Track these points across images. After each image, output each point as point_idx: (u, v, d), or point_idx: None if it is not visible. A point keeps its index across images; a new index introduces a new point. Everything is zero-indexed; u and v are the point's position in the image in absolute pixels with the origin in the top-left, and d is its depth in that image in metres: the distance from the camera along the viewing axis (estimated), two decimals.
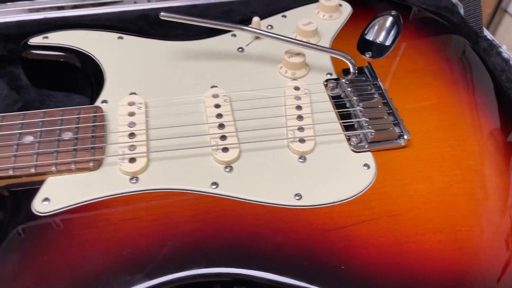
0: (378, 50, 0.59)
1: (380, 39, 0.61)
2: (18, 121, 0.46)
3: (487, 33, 0.64)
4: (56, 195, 0.42)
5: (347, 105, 0.51)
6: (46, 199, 0.42)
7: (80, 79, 0.57)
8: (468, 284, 0.40)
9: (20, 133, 0.45)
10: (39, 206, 0.41)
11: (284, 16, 0.64)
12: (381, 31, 0.63)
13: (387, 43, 0.61)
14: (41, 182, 0.43)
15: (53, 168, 0.43)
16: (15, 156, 0.43)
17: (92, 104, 0.51)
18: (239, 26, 0.54)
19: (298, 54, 0.55)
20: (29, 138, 0.45)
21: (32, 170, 0.43)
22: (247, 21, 0.63)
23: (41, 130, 0.46)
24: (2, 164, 0.42)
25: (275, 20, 0.63)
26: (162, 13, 0.51)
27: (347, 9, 0.65)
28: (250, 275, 0.38)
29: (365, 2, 0.67)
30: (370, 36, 0.62)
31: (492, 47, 0.62)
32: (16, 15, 0.62)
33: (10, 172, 0.42)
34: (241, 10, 0.66)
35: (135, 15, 0.64)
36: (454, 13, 0.68)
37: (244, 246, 0.40)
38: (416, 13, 0.66)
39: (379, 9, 0.66)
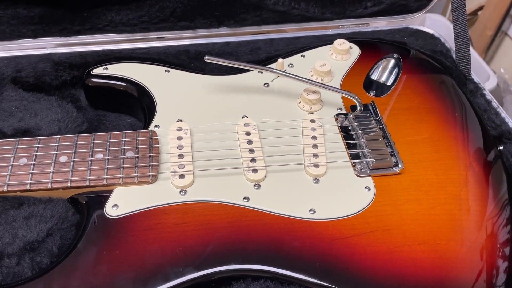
0: (381, 89, 0.71)
1: (383, 79, 0.73)
2: (89, 141, 0.58)
3: (474, 76, 0.75)
4: (123, 202, 0.54)
5: (354, 136, 0.63)
6: (115, 205, 0.53)
7: (131, 103, 0.69)
8: (445, 285, 0.51)
9: (92, 151, 0.57)
10: (110, 210, 0.53)
11: (303, 56, 0.75)
12: (384, 71, 0.74)
13: (389, 82, 0.72)
14: (110, 191, 0.55)
15: (120, 181, 0.55)
16: (90, 170, 0.55)
17: (146, 127, 0.63)
18: (268, 68, 0.66)
19: (314, 92, 0.66)
20: (99, 156, 0.57)
21: (104, 182, 0.54)
22: (271, 59, 0.75)
23: (108, 150, 0.57)
24: (81, 177, 0.54)
25: (295, 59, 0.74)
26: (206, 57, 0.62)
27: (356, 51, 0.76)
28: (275, 271, 0.50)
29: (371, 45, 0.79)
30: (374, 76, 0.73)
31: (478, 89, 0.74)
32: (80, 47, 0.74)
33: (87, 183, 0.54)
34: (267, 49, 0.78)
35: (178, 50, 0.75)
36: (447, 57, 0.79)
37: (269, 248, 0.51)
38: (414, 56, 0.77)
39: (383, 52, 0.77)
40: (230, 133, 0.62)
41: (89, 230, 0.52)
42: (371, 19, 0.84)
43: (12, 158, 0.55)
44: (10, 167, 0.54)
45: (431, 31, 0.85)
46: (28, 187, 0.53)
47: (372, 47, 0.79)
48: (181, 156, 0.58)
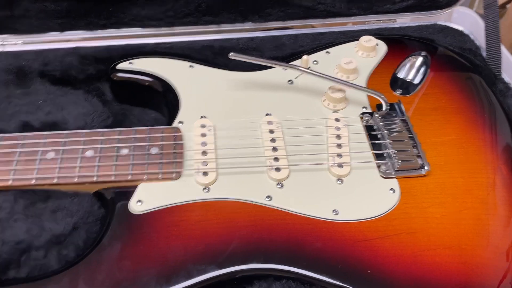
0: (408, 87, 0.69)
1: (410, 77, 0.71)
2: (115, 136, 0.59)
3: (504, 76, 0.73)
4: (147, 198, 0.54)
5: (379, 136, 0.62)
6: (139, 201, 0.54)
7: (156, 98, 0.69)
8: None
9: (117, 147, 0.57)
10: (134, 206, 0.54)
11: (328, 53, 0.74)
12: (411, 69, 0.72)
13: (416, 81, 0.70)
14: (135, 187, 0.55)
15: (145, 177, 0.55)
16: (115, 165, 0.56)
17: (170, 123, 0.63)
18: (292, 65, 0.65)
19: (339, 90, 0.65)
20: (125, 151, 0.57)
21: (129, 178, 0.55)
22: (296, 55, 0.74)
23: (134, 145, 0.58)
24: (107, 172, 0.55)
25: (320, 56, 0.73)
26: (231, 54, 0.62)
27: (383, 48, 0.75)
28: (296, 272, 0.50)
29: (398, 42, 0.77)
30: (401, 74, 0.71)
31: (508, 89, 0.72)
32: (105, 41, 0.74)
33: (112, 178, 0.55)
34: (291, 45, 0.77)
35: (202, 45, 0.75)
36: (476, 55, 0.77)
37: (291, 249, 0.51)
38: (443, 54, 0.75)
39: (410, 49, 0.75)
40: (253, 130, 0.62)
41: (114, 225, 0.52)
42: (398, 14, 0.83)
43: (40, 151, 0.56)
44: (38, 161, 0.55)
45: (460, 28, 0.83)
46: (55, 181, 0.54)
47: (399, 44, 0.77)
48: (204, 153, 0.58)
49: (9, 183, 0.53)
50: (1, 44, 0.73)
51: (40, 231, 0.52)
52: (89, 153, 0.56)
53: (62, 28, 0.73)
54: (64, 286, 0.47)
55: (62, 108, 0.64)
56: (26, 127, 0.61)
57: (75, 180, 0.54)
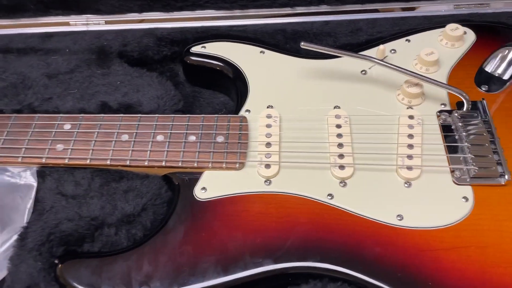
0: (495, 83, 0.63)
1: (499, 71, 0.64)
2: (184, 123, 0.60)
3: None
4: (211, 186, 0.56)
5: (456, 138, 0.57)
6: (204, 188, 0.56)
7: (226, 83, 0.70)
8: None
9: (186, 133, 0.59)
10: (199, 193, 0.55)
11: (408, 41, 0.69)
12: (501, 63, 0.65)
13: (505, 77, 0.64)
14: (200, 174, 0.57)
15: (210, 165, 0.57)
16: (183, 152, 0.58)
17: (237, 109, 0.63)
18: (367, 56, 0.62)
19: (416, 84, 0.61)
20: (192, 138, 0.59)
21: (195, 165, 0.57)
22: (372, 42, 0.71)
23: (201, 133, 0.59)
24: (174, 158, 0.57)
25: (399, 44, 0.69)
26: (302, 43, 0.60)
27: (471, 37, 0.68)
28: (353, 275, 0.49)
29: (489, 29, 0.70)
30: (489, 68, 0.65)
31: None
32: (180, 23, 0.76)
33: (180, 164, 0.57)
34: (368, 30, 0.73)
35: (274, 29, 0.74)
36: None
37: (350, 251, 0.50)
38: None
39: (503, 39, 0.68)
40: (319, 123, 0.60)
41: (179, 209, 0.55)
42: None
43: (116, 133, 0.59)
44: (113, 142, 0.59)
45: None
46: (128, 163, 0.57)
47: (490, 33, 0.70)
48: (268, 145, 0.58)
49: (87, 162, 0.57)
50: (85, 24, 0.77)
51: (112, 209, 0.56)
52: (159, 138, 0.59)
53: (141, 10, 0.76)
54: (131, 264, 0.51)
55: (138, 89, 0.67)
56: (104, 107, 0.65)
57: (146, 163, 0.57)
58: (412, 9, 0.74)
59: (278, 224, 0.53)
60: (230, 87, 0.70)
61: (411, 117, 0.59)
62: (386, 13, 0.75)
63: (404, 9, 0.74)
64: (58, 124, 0.60)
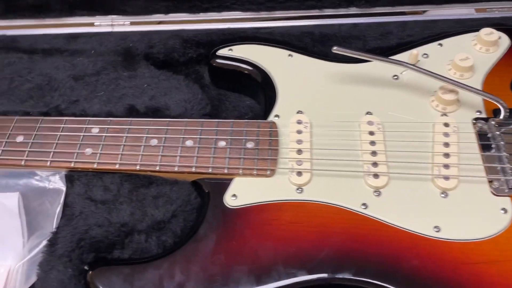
0: None
1: None
2: (213, 128, 0.59)
3: None
4: (242, 193, 0.55)
5: (493, 146, 0.56)
6: (234, 195, 0.55)
7: (253, 86, 0.69)
8: None
9: (215, 139, 0.58)
10: (229, 200, 0.55)
11: (440, 45, 0.67)
12: None
13: None
14: (230, 180, 0.56)
15: (240, 172, 0.56)
16: (213, 158, 0.57)
17: (266, 114, 0.62)
18: (399, 61, 0.60)
19: (451, 91, 0.59)
20: (222, 143, 0.58)
21: (225, 171, 0.56)
22: (403, 46, 0.69)
23: (231, 138, 0.58)
24: (204, 164, 0.56)
25: (431, 48, 0.67)
26: (334, 48, 0.59)
27: (505, 42, 0.66)
28: None
29: None
30: None
31: None
32: (206, 24, 0.75)
33: (210, 170, 0.56)
34: (399, 33, 0.71)
35: (302, 31, 0.73)
36: None
37: (386, 263, 0.49)
38: None
39: None
40: (351, 130, 0.59)
41: (209, 216, 0.54)
42: None
43: (145, 138, 0.59)
44: (142, 147, 0.58)
45: None
46: (157, 168, 0.56)
47: None
48: (299, 151, 0.57)
49: (116, 167, 0.57)
50: (110, 24, 0.77)
51: (142, 215, 0.55)
52: (189, 143, 0.58)
53: (167, 11, 0.75)
54: (163, 272, 0.50)
55: (165, 93, 0.66)
56: (132, 110, 0.65)
57: (175, 169, 0.56)
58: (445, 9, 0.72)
59: (311, 233, 0.52)
60: (257, 90, 0.68)
61: (446, 124, 0.58)
62: (417, 16, 0.74)
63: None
64: (86, 127, 0.60)
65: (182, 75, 0.70)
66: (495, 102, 0.57)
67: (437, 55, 0.66)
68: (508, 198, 0.52)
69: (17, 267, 0.53)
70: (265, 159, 0.57)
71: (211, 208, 0.55)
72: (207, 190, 0.56)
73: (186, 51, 0.73)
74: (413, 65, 0.60)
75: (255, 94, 0.70)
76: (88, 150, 0.58)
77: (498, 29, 0.66)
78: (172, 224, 0.55)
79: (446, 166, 0.54)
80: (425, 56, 0.66)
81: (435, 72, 0.59)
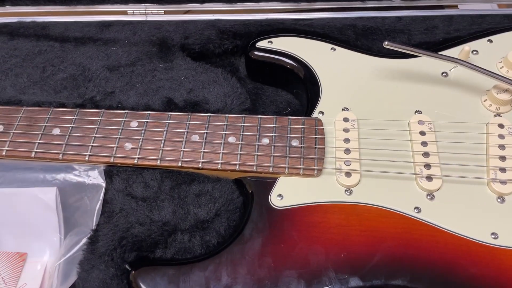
0: None
1: None
2: (256, 124, 0.57)
3: None
4: (287, 193, 0.53)
5: None
6: (280, 195, 0.53)
7: (292, 81, 0.66)
8: None
9: (259, 135, 0.56)
10: (275, 200, 0.53)
11: (490, 41, 0.64)
12: None
13: None
14: (275, 179, 0.54)
15: (286, 171, 0.54)
16: (257, 155, 0.55)
17: (309, 112, 0.60)
18: (451, 58, 0.57)
19: (506, 90, 0.57)
20: (266, 141, 0.56)
21: (270, 170, 0.54)
22: (450, 41, 0.66)
23: (274, 135, 0.56)
24: (249, 162, 0.54)
25: (481, 45, 0.64)
26: (386, 43, 0.56)
27: None
28: None
29: None
30: None
31: None
32: (243, 15, 0.72)
33: (254, 168, 0.54)
34: (445, 28, 0.68)
35: (343, 23, 0.70)
36: None
37: (442, 271, 0.47)
38: None
39: None
40: (401, 130, 0.56)
41: (254, 216, 0.52)
42: None
43: (186, 133, 0.56)
44: (183, 143, 0.56)
45: None
46: (200, 165, 0.54)
47: None
48: (347, 151, 0.55)
49: (157, 162, 0.55)
50: (144, 13, 0.74)
51: (185, 214, 0.53)
52: (231, 139, 0.56)
53: (202, 0, 0.72)
54: (209, 274, 0.48)
55: (203, 86, 0.64)
56: (170, 104, 0.62)
57: (219, 166, 0.54)
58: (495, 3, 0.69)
59: (362, 237, 0.50)
60: (296, 85, 0.66)
61: (501, 125, 0.55)
62: (463, 10, 0.70)
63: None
64: (124, 121, 0.58)
65: (219, 67, 0.68)
66: None
67: (488, 52, 0.63)
68: None
69: (56, 265, 0.52)
70: (312, 158, 0.54)
71: (255, 208, 0.53)
72: (251, 190, 0.54)
73: (222, 42, 0.70)
74: (468, 62, 0.58)
75: (293, 88, 0.68)
76: (128, 145, 0.56)
77: None
78: (215, 224, 0.53)
79: (503, 169, 0.52)
80: (475, 52, 0.63)
81: (490, 71, 0.56)
